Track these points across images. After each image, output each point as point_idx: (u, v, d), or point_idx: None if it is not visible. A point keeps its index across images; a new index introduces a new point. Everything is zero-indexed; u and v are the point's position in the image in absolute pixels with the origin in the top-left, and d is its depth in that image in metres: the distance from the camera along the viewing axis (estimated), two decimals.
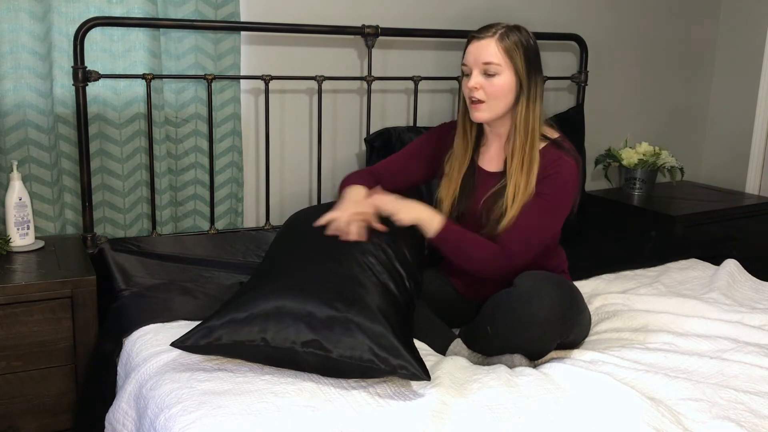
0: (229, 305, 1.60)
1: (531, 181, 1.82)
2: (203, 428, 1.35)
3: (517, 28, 1.86)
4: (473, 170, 1.96)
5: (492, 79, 1.82)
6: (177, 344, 1.56)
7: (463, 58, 1.90)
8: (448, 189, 1.96)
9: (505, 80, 1.82)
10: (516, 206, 1.82)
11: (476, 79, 1.83)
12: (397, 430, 1.38)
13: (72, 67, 2.13)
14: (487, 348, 1.75)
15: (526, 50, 1.84)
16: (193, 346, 1.55)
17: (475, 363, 1.74)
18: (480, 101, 1.83)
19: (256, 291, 1.62)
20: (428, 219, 1.82)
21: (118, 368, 1.78)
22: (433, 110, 2.82)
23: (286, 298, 1.57)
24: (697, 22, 3.38)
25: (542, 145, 1.86)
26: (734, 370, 1.67)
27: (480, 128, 1.97)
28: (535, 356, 1.72)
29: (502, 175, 1.90)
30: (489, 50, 1.82)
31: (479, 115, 1.85)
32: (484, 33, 1.85)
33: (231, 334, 1.53)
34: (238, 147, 2.47)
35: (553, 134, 1.91)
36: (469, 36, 1.89)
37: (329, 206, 1.90)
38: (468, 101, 1.88)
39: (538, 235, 1.82)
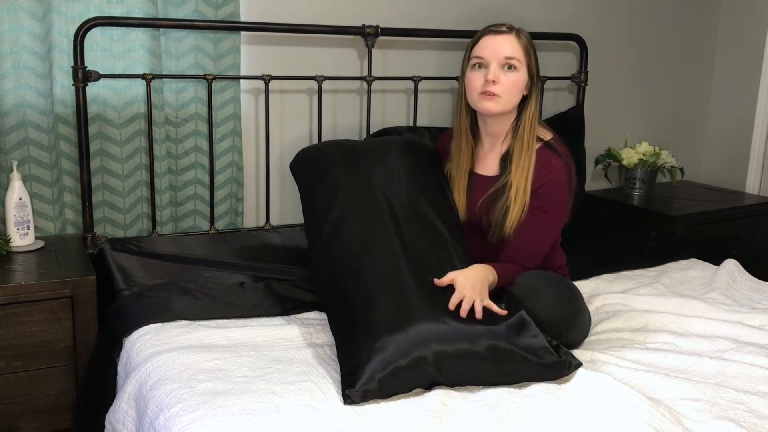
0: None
1: (529, 182, 1.86)
2: (203, 428, 1.35)
3: (522, 29, 1.93)
4: (471, 175, 1.99)
5: (510, 74, 1.87)
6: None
7: (472, 50, 1.92)
8: (459, 196, 1.99)
9: (521, 76, 1.88)
10: (518, 205, 1.85)
11: (495, 72, 1.86)
12: (397, 430, 1.38)
13: (72, 67, 2.13)
14: None
15: (535, 50, 1.92)
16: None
17: None
18: (495, 94, 1.86)
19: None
20: (491, 282, 1.77)
21: (118, 368, 1.78)
22: (433, 110, 2.82)
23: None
24: (697, 22, 3.38)
25: (536, 146, 1.90)
26: (734, 370, 1.67)
27: (473, 130, 1.99)
28: None
29: (496, 178, 1.93)
30: (511, 45, 1.87)
31: (492, 106, 1.87)
32: (499, 28, 1.90)
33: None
34: (238, 147, 2.47)
35: (546, 135, 1.93)
36: (483, 30, 1.94)
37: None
38: (476, 94, 1.89)
39: (545, 245, 1.91)
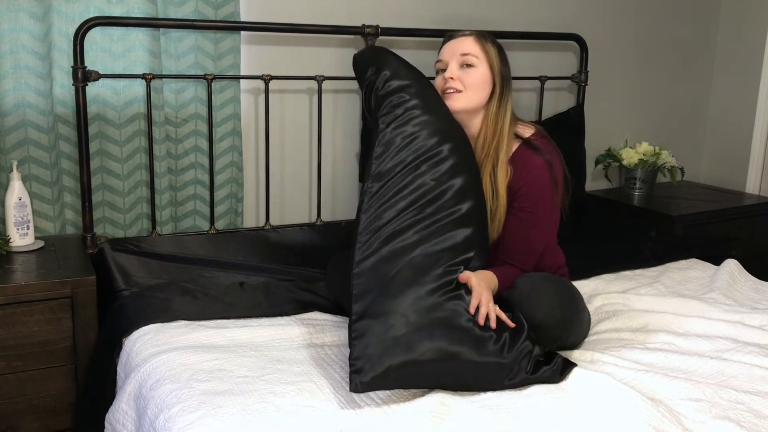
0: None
1: (500, 181, 1.84)
2: (203, 428, 1.35)
3: (489, 33, 1.96)
4: None
5: (469, 70, 1.89)
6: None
7: (437, 57, 1.96)
8: None
9: (482, 72, 1.89)
10: (496, 207, 1.84)
11: (453, 69, 1.89)
12: (397, 430, 1.38)
13: (72, 67, 2.13)
14: None
15: (499, 50, 1.92)
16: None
17: None
18: (457, 90, 1.88)
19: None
20: (493, 289, 1.75)
21: (118, 368, 1.78)
22: None
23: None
24: (697, 22, 3.38)
25: (516, 145, 1.88)
26: (734, 370, 1.68)
27: None
28: None
29: None
30: (467, 43, 1.91)
31: (455, 103, 1.89)
32: (460, 33, 1.95)
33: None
34: (238, 147, 2.47)
35: (526, 131, 1.91)
36: (445, 37, 1.98)
37: None
38: (442, 94, 1.90)
39: (536, 245, 1.88)
